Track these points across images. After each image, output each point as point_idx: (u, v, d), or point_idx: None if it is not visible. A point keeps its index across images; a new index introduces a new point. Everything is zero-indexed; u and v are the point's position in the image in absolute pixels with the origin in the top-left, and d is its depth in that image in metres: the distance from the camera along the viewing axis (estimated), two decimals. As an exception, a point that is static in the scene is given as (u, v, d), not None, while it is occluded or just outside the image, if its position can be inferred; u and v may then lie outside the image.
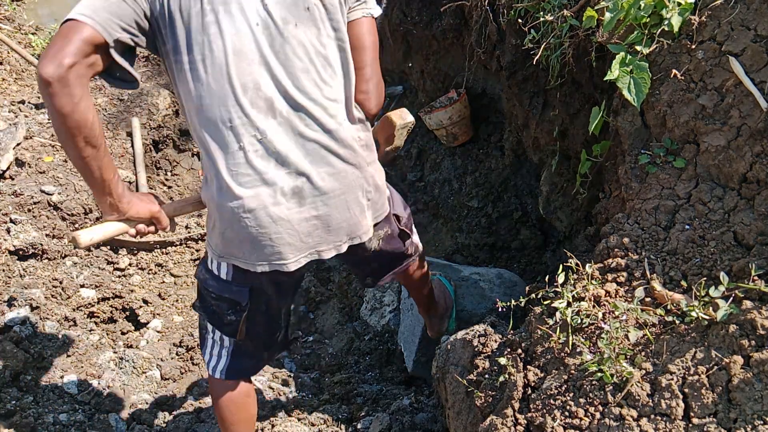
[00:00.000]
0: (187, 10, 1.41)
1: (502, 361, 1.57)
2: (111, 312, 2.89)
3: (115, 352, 2.71)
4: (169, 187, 3.82)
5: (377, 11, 1.68)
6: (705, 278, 1.46)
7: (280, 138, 1.50)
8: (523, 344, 1.60)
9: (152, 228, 1.61)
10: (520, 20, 2.45)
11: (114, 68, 1.41)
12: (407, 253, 1.98)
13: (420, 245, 2.08)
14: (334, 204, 1.58)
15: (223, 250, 1.62)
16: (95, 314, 2.86)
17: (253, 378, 1.98)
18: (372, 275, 2.01)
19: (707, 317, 1.35)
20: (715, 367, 1.29)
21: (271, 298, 1.75)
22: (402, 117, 1.92)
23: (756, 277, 1.36)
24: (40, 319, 2.68)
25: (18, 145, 3.40)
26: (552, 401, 1.41)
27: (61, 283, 2.91)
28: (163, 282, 3.23)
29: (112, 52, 1.36)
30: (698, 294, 1.40)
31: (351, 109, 1.61)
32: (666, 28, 1.75)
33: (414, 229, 2.02)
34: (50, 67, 1.27)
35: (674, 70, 1.74)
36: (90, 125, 1.35)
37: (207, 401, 2.53)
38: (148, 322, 2.94)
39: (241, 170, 1.50)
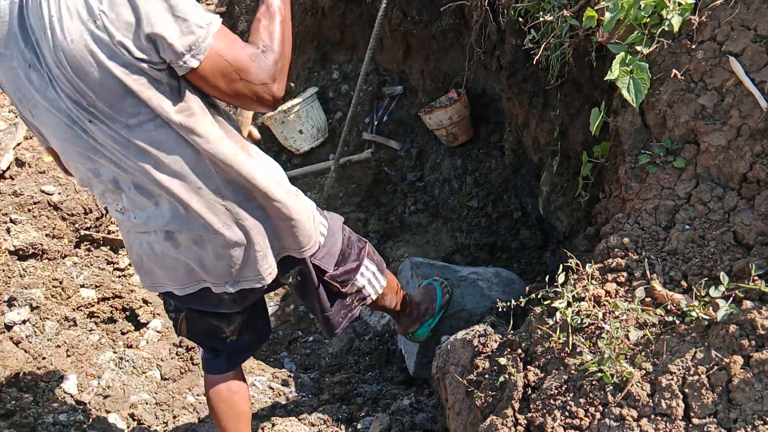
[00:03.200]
0: None
1: (502, 361, 1.57)
2: (111, 312, 2.89)
3: (115, 352, 2.71)
4: (169, 187, 3.82)
5: (194, 62, 1.30)
6: (705, 278, 1.45)
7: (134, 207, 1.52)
8: (523, 344, 1.60)
9: None
10: (520, 20, 2.45)
11: None
12: (345, 303, 1.91)
13: (371, 296, 1.97)
14: (205, 254, 1.55)
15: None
16: (95, 314, 2.86)
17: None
18: (321, 324, 1.95)
19: (707, 317, 1.35)
20: (715, 367, 1.29)
21: (196, 312, 1.77)
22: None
23: (756, 277, 1.36)
24: (40, 319, 2.68)
25: (18, 145, 3.40)
26: (552, 401, 1.41)
27: (61, 283, 2.91)
28: (163, 282, 3.23)
29: None
30: (698, 294, 1.40)
31: (204, 172, 1.45)
32: (666, 28, 1.75)
33: (364, 281, 1.92)
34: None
35: (674, 70, 1.74)
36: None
37: (207, 401, 2.54)
38: (148, 322, 2.94)
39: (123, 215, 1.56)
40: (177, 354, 2.82)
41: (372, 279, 1.96)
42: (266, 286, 1.70)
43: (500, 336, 1.73)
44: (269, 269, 1.63)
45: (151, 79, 1.30)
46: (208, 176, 1.46)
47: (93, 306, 2.89)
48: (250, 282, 1.62)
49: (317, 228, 1.74)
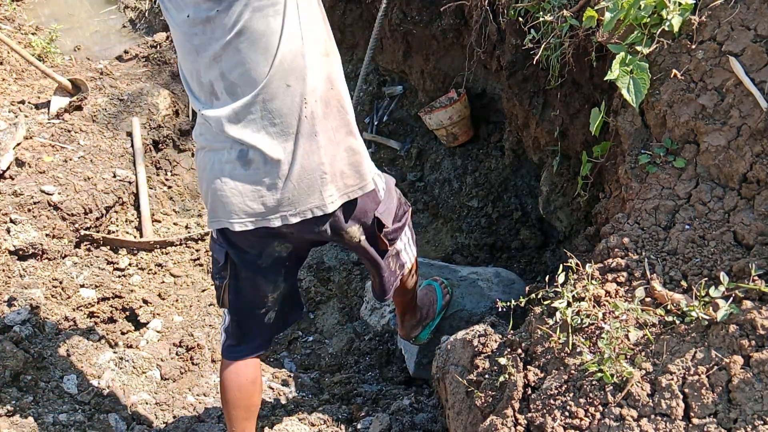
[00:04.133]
0: None
1: (502, 361, 1.57)
2: (111, 312, 2.89)
3: (115, 352, 2.70)
4: (170, 187, 3.82)
5: None
6: (705, 278, 1.46)
7: (224, 113, 1.56)
8: (523, 344, 1.60)
9: None
10: (520, 20, 2.45)
11: None
12: (390, 268, 1.93)
13: (408, 264, 2.02)
14: (276, 173, 1.58)
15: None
16: (95, 314, 2.86)
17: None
18: (379, 283, 1.99)
19: (707, 317, 1.35)
20: (715, 367, 1.29)
21: (246, 268, 1.80)
22: None
23: (756, 277, 1.36)
24: (40, 319, 2.68)
25: (18, 145, 3.40)
26: (552, 401, 1.41)
27: (61, 283, 2.91)
28: (163, 282, 3.23)
29: None
30: (698, 294, 1.40)
31: (294, 71, 1.54)
32: (666, 28, 1.75)
33: (402, 245, 1.96)
34: None
35: (674, 70, 1.74)
36: None
37: (207, 401, 2.53)
38: (148, 322, 2.94)
39: (205, 121, 1.60)
40: (177, 354, 2.81)
41: (407, 246, 2.00)
42: (328, 232, 1.70)
43: (500, 336, 1.73)
44: (332, 198, 1.64)
45: None
46: (303, 75, 1.54)
47: (93, 306, 2.89)
48: (312, 210, 1.63)
49: (373, 171, 1.76)
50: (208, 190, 1.66)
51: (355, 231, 1.76)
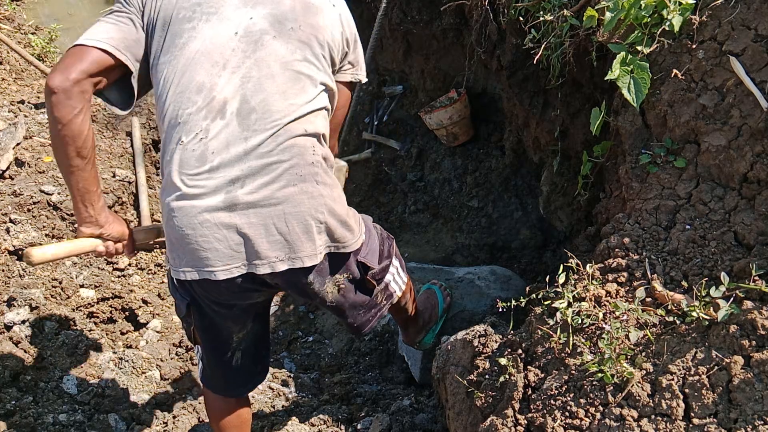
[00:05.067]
0: (171, 17, 1.55)
1: (503, 361, 1.57)
2: (111, 312, 2.89)
3: (114, 352, 2.70)
4: (169, 187, 3.82)
5: (364, 77, 1.80)
6: (706, 278, 1.45)
7: (221, 140, 1.48)
8: (523, 344, 1.60)
9: (119, 249, 1.68)
10: (520, 19, 2.44)
11: (111, 90, 1.64)
12: (376, 302, 1.86)
13: (396, 293, 1.95)
14: (269, 215, 1.49)
15: (167, 255, 1.60)
16: (95, 314, 2.86)
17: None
18: (349, 326, 1.90)
19: (708, 317, 1.35)
20: (716, 368, 1.29)
21: (214, 318, 1.71)
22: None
23: (757, 277, 1.36)
24: (40, 319, 2.68)
25: (18, 145, 3.39)
26: (552, 401, 1.41)
27: (60, 283, 2.91)
28: (163, 282, 3.23)
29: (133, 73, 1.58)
30: (699, 294, 1.40)
31: (312, 124, 1.57)
32: (667, 28, 1.75)
33: (390, 278, 1.90)
34: (58, 78, 1.46)
35: (675, 70, 1.74)
36: (83, 138, 1.51)
37: (207, 401, 2.53)
38: (147, 322, 2.94)
39: (179, 168, 1.50)
40: (177, 354, 2.81)
41: (396, 276, 1.94)
42: (309, 284, 1.62)
43: (500, 336, 1.72)
44: (321, 248, 1.56)
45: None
46: (310, 122, 1.58)
47: (92, 306, 2.88)
48: (301, 260, 1.53)
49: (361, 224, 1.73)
50: (181, 234, 1.51)
51: (331, 288, 1.67)
